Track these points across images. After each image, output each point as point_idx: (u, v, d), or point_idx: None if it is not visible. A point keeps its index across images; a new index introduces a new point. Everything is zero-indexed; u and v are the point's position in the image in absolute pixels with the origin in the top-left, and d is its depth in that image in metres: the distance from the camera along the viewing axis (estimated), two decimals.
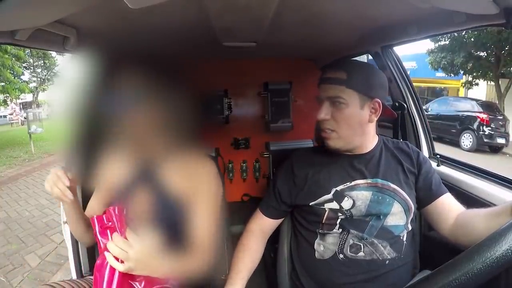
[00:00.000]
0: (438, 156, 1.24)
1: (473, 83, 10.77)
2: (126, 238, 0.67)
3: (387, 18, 0.92)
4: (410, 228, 0.86)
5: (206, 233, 0.79)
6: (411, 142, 1.27)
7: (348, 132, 0.83)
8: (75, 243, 1.09)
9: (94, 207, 0.87)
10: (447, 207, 0.84)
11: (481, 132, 7.82)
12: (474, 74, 10.28)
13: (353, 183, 0.85)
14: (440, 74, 11.43)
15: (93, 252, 1.11)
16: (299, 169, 0.91)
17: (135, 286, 0.70)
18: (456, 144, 8.23)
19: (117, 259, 0.65)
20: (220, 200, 0.83)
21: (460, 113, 8.43)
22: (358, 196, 0.83)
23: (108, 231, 0.70)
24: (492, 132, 7.78)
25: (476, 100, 8.76)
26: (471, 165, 1.12)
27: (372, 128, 0.88)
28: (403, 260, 0.83)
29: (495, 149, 8.07)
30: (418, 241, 1.03)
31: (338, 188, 0.84)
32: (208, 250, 0.78)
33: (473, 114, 8.12)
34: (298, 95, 1.89)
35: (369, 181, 0.85)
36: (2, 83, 8.96)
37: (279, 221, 0.97)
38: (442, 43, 9.85)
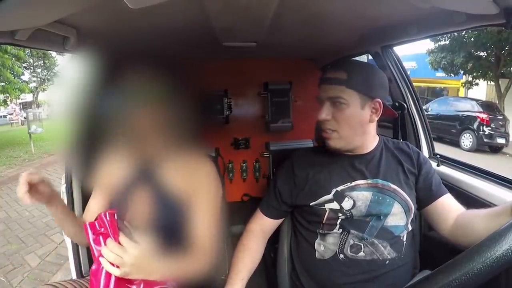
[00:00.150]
0: (438, 156, 1.24)
1: (473, 83, 10.77)
2: (120, 243, 0.67)
3: (387, 18, 0.92)
4: (410, 228, 0.86)
5: (206, 233, 0.79)
6: (411, 142, 1.27)
7: (349, 132, 0.83)
8: (75, 243, 1.09)
9: (93, 206, 0.87)
10: (447, 207, 0.84)
11: (481, 132, 7.82)
12: (474, 74, 10.27)
13: (353, 183, 0.85)
14: (440, 74, 11.43)
15: None
16: (299, 169, 0.91)
17: None
18: (456, 144, 8.23)
19: (112, 264, 0.65)
20: (220, 201, 0.83)
21: (460, 113, 8.43)
22: (359, 196, 0.83)
23: (100, 237, 0.69)
24: (492, 132, 7.78)
25: (476, 100, 8.76)
26: (471, 165, 1.12)
27: (372, 128, 0.88)
28: (403, 260, 0.83)
29: (495, 149, 8.07)
30: (418, 241, 1.03)
31: (339, 188, 0.84)
32: (208, 250, 0.78)
33: (473, 114, 8.12)
34: (298, 95, 1.89)
35: (369, 181, 0.85)
36: (2, 83, 8.96)
37: (280, 221, 0.97)
38: (442, 43, 9.85)
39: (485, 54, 9.61)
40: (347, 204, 0.83)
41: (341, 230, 0.83)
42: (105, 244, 0.67)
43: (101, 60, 0.76)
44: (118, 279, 0.67)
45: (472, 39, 8.89)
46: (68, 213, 0.82)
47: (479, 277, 0.42)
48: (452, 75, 10.63)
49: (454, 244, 0.81)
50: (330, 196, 0.84)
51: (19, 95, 11.72)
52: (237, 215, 1.32)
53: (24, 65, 14.75)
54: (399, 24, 0.96)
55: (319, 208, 0.85)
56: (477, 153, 7.84)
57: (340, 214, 0.83)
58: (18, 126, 15.34)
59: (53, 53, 13.91)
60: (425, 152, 1.29)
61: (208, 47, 1.29)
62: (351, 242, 0.82)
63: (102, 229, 0.69)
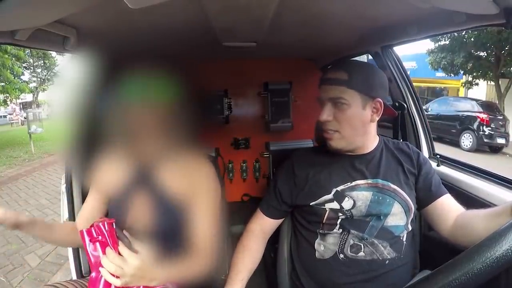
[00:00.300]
0: (438, 156, 1.24)
1: (473, 83, 10.77)
2: (119, 253, 0.67)
3: (387, 18, 0.92)
4: (410, 228, 0.86)
5: (206, 234, 0.79)
6: (411, 142, 1.27)
7: (350, 132, 0.83)
8: None
9: (88, 206, 0.87)
10: (447, 207, 0.84)
11: (481, 132, 7.81)
12: (474, 74, 10.28)
13: (353, 183, 0.85)
14: (440, 74, 11.43)
15: None
16: (299, 169, 0.91)
17: None
18: (456, 144, 8.23)
19: (112, 274, 0.66)
20: (219, 201, 0.83)
21: (460, 113, 8.43)
22: (359, 196, 0.83)
23: (98, 244, 0.69)
24: (492, 132, 7.78)
25: (476, 100, 8.76)
26: (471, 165, 1.12)
27: (373, 128, 0.88)
28: (403, 260, 0.83)
29: (495, 149, 8.07)
30: (418, 241, 1.03)
31: (339, 188, 0.84)
32: (209, 252, 0.78)
33: (473, 114, 8.11)
34: (298, 95, 1.89)
35: (369, 181, 0.85)
36: (2, 83, 8.96)
37: (280, 221, 0.97)
38: (442, 43, 9.85)
39: (485, 54, 9.61)
40: (347, 204, 0.83)
41: (341, 230, 0.83)
42: (102, 252, 0.68)
43: (101, 60, 0.76)
44: None
45: (472, 39, 8.89)
46: (49, 228, 0.81)
47: (479, 277, 0.42)
48: (452, 75, 10.63)
49: (454, 244, 0.81)
50: (330, 196, 0.84)
51: (19, 95, 11.71)
52: (237, 215, 1.32)
53: (24, 65, 14.76)
54: (399, 24, 0.96)
55: (319, 208, 0.85)
56: (477, 153, 7.84)
57: (340, 214, 0.83)
58: (18, 126, 15.34)
59: (53, 53, 13.92)
60: (425, 152, 1.29)
61: (208, 47, 1.29)
62: (351, 242, 0.82)
63: (100, 237, 0.69)
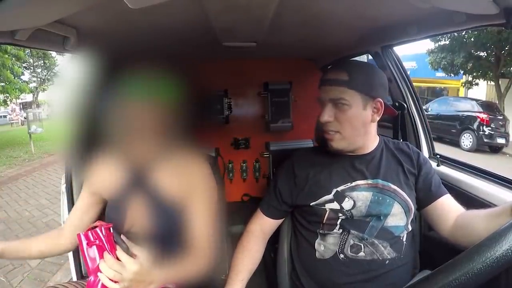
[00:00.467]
0: (438, 156, 1.24)
1: (473, 83, 10.77)
2: (117, 258, 0.67)
3: (387, 18, 0.92)
4: (410, 228, 0.86)
5: (204, 234, 0.78)
6: (411, 142, 1.27)
7: (351, 133, 0.83)
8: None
9: (79, 209, 0.86)
10: (447, 208, 0.84)
11: (481, 132, 7.82)
12: (474, 74, 10.28)
13: (353, 183, 0.85)
14: (440, 74, 11.43)
15: None
16: (300, 169, 0.91)
17: None
18: (456, 144, 8.23)
19: (111, 279, 0.66)
20: (215, 200, 0.82)
21: (460, 113, 8.43)
22: (359, 196, 0.83)
23: (95, 248, 0.69)
24: (492, 132, 7.78)
25: (476, 100, 8.76)
26: (471, 165, 1.12)
27: (373, 128, 0.88)
28: (403, 260, 0.83)
29: (495, 149, 8.07)
30: (418, 241, 1.03)
31: (339, 188, 0.84)
32: (207, 251, 0.78)
33: (473, 114, 8.12)
34: (298, 95, 1.89)
35: (369, 181, 0.85)
36: (2, 83, 8.96)
37: (280, 221, 0.97)
38: (442, 43, 9.85)
39: (485, 54, 9.61)
40: (347, 204, 0.83)
41: (341, 230, 0.83)
42: (100, 256, 0.68)
43: (101, 60, 0.76)
44: None
45: (472, 39, 8.90)
46: (21, 246, 0.81)
47: (479, 277, 0.42)
48: (452, 75, 10.63)
49: (454, 244, 0.81)
50: (330, 196, 0.84)
51: (19, 95, 11.71)
52: (237, 215, 1.32)
53: (24, 65, 14.76)
54: (399, 24, 0.96)
55: (319, 208, 0.85)
56: (477, 153, 7.84)
57: (340, 214, 0.83)
58: (18, 126, 15.34)
59: (53, 53, 13.92)
60: (425, 152, 1.29)
61: (208, 47, 1.29)
62: (351, 242, 0.82)
63: (97, 241, 0.69)
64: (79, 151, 0.80)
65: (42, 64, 17.10)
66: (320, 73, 0.97)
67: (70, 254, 1.11)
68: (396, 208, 0.83)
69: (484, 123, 7.82)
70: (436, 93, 14.53)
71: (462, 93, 12.84)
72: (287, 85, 1.84)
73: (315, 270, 0.86)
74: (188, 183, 0.78)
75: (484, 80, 10.81)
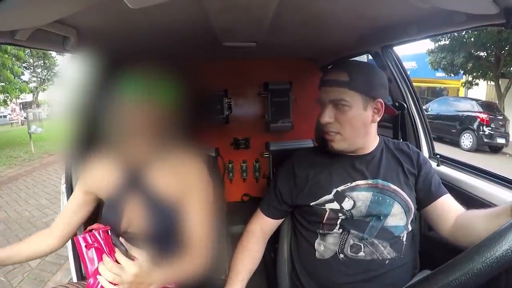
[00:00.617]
0: (438, 156, 1.24)
1: (473, 83, 10.77)
2: (116, 261, 0.67)
3: (387, 18, 0.92)
4: (410, 228, 0.86)
5: (200, 233, 0.78)
6: (411, 142, 1.27)
7: (352, 133, 0.83)
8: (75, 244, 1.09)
9: (74, 200, 0.86)
10: (447, 208, 0.84)
11: (481, 132, 7.82)
12: (474, 74, 10.28)
13: (353, 183, 0.85)
14: (440, 74, 11.43)
15: None
16: (300, 169, 0.91)
17: None
18: (456, 144, 8.23)
19: (110, 282, 0.66)
20: (212, 199, 0.82)
21: (460, 113, 8.43)
22: (359, 196, 0.83)
23: (93, 250, 0.69)
24: (492, 132, 7.79)
25: (476, 100, 8.76)
26: (471, 165, 1.12)
27: (374, 128, 0.88)
28: (403, 260, 0.83)
29: (495, 149, 8.07)
30: (418, 241, 1.03)
31: (339, 188, 0.84)
32: (204, 250, 0.78)
33: (473, 114, 8.12)
34: (298, 95, 1.89)
35: (369, 181, 0.85)
36: (2, 83, 8.96)
37: (280, 221, 0.97)
38: (442, 43, 9.85)
39: (485, 54, 9.61)
40: (347, 204, 0.83)
41: (341, 230, 0.83)
42: (98, 259, 0.68)
43: (101, 60, 0.76)
44: None
45: (472, 39, 8.90)
46: (12, 252, 0.81)
47: (479, 277, 0.42)
48: (452, 75, 10.63)
49: (454, 244, 0.81)
50: (330, 196, 0.84)
51: (19, 95, 11.71)
52: (237, 215, 1.32)
53: (24, 65, 14.75)
54: (399, 24, 0.96)
55: (319, 208, 0.85)
56: (477, 153, 7.84)
57: (340, 214, 0.83)
58: (18, 126, 15.34)
59: (53, 53, 13.92)
60: (425, 152, 1.29)
61: (208, 47, 1.29)
62: (351, 242, 0.82)
63: (96, 244, 0.69)
64: (79, 151, 0.80)
65: (42, 64, 17.09)
66: (320, 73, 0.97)
67: (70, 255, 1.11)
68: (396, 208, 0.83)
69: (484, 123, 7.82)
70: (436, 93, 14.53)
71: (462, 93, 12.84)
72: (287, 85, 1.84)
73: (315, 270, 0.86)
74: (184, 182, 0.78)
75: (484, 80, 10.81)
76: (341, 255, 0.82)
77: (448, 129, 8.50)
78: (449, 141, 8.46)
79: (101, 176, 0.81)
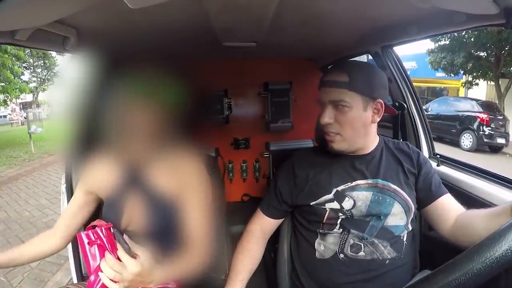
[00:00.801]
0: (438, 156, 1.24)
1: (473, 83, 10.77)
2: (118, 258, 0.68)
3: (387, 18, 0.92)
4: (410, 228, 0.86)
5: (199, 231, 0.78)
6: (411, 142, 1.27)
7: (352, 134, 0.83)
8: (75, 244, 1.09)
9: (73, 208, 0.86)
10: (447, 207, 0.84)
11: (481, 132, 7.82)
12: (474, 74, 10.27)
13: (354, 183, 0.85)
14: (440, 74, 11.43)
15: None
16: (300, 169, 0.91)
17: None
18: (456, 144, 8.23)
19: (111, 279, 0.66)
20: (210, 198, 0.82)
21: (460, 113, 8.43)
22: (359, 196, 0.83)
23: (95, 247, 0.69)
24: (492, 132, 7.79)
25: (476, 100, 8.76)
26: (471, 165, 1.12)
27: (374, 128, 0.88)
28: (403, 260, 0.83)
29: (495, 149, 8.07)
30: (418, 241, 1.03)
31: (339, 188, 0.84)
32: (203, 249, 0.78)
33: (473, 114, 8.12)
34: (298, 95, 1.89)
35: (369, 181, 0.85)
36: (2, 83, 8.96)
37: (280, 221, 0.97)
38: (442, 43, 9.85)
39: (485, 54, 9.61)
40: (347, 204, 0.83)
41: (341, 229, 0.83)
42: (101, 256, 0.68)
43: (101, 60, 0.76)
44: None
45: (472, 39, 8.90)
46: (15, 254, 0.81)
47: (479, 277, 0.42)
48: (452, 75, 10.63)
49: (454, 244, 0.81)
50: (330, 196, 0.84)
51: (19, 95, 11.71)
52: (237, 215, 1.32)
53: (24, 65, 14.76)
54: (399, 24, 0.96)
55: (319, 208, 0.85)
56: (477, 153, 7.84)
57: (340, 214, 0.83)
58: (18, 126, 15.35)
59: (53, 53, 13.92)
60: (425, 152, 1.29)
61: (208, 47, 1.29)
62: (351, 241, 0.82)
63: (98, 241, 0.69)
64: (79, 150, 0.80)
65: (42, 64, 17.09)
66: (320, 73, 0.97)
67: (70, 255, 1.11)
68: (396, 208, 0.83)
69: (484, 123, 7.82)
70: (436, 93, 14.53)
71: (462, 93, 12.84)
72: (287, 85, 1.84)
73: (315, 270, 0.86)
74: (183, 181, 0.78)
75: (484, 80, 10.81)
76: (341, 255, 0.82)
77: (448, 129, 8.50)
78: (449, 141, 8.46)
79: (101, 176, 0.82)
